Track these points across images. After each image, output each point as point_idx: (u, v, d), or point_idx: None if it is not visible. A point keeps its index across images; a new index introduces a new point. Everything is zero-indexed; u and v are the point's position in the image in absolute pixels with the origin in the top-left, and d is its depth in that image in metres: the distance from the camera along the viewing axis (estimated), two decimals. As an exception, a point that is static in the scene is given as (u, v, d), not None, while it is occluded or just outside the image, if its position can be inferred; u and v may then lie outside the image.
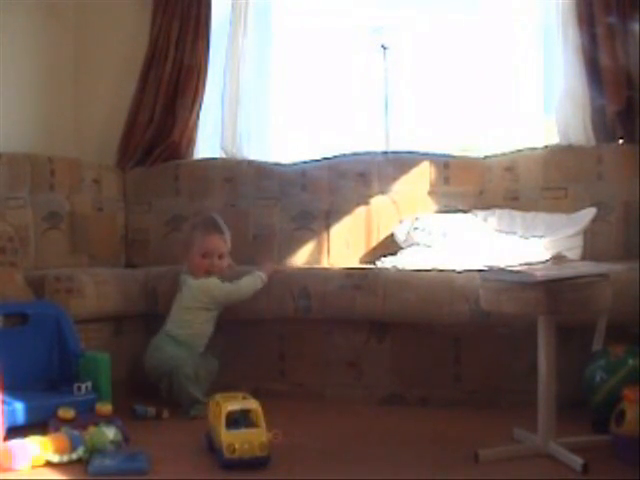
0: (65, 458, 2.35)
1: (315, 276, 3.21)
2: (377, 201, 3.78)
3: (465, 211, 3.64)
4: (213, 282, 3.13)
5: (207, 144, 4.15)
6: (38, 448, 2.33)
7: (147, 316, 3.32)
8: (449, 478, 2.25)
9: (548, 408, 2.39)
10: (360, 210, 3.78)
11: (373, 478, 2.27)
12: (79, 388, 2.71)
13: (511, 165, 3.68)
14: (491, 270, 2.48)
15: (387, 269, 3.26)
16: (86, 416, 2.58)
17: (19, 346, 2.82)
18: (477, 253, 3.21)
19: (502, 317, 2.62)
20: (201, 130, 4.11)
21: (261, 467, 2.28)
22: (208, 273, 3.14)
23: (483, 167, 3.73)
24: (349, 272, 3.19)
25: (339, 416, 2.96)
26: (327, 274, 3.22)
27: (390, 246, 3.61)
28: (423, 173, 3.76)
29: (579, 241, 3.33)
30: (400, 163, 3.80)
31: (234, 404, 2.37)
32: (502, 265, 2.46)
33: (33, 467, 2.32)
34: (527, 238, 3.37)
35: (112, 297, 3.19)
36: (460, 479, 2.24)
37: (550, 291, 2.25)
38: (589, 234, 3.37)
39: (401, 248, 3.56)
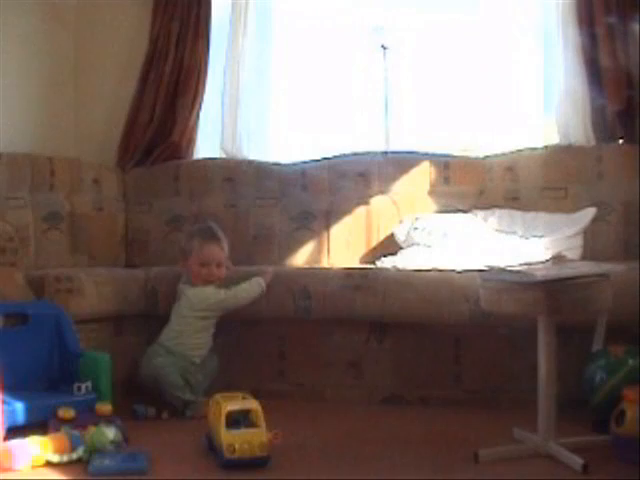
0: (65, 458, 2.35)
1: (315, 276, 3.21)
2: (377, 201, 3.78)
3: (465, 211, 3.64)
4: (209, 290, 3.12)
5: (207, 144, 4.15)
6: (38, 448, 2.33)
7: (147, 316, 3.32)
8: (449, 478, 2.25)
9: (548, 408, 2.39)
10: (360, 210, 3.78)
11: (373, 478, 2.27)
12: (79, 388, 2.71)
13: (511, 165, 3.68)
14: (491, 270, 2.48)
15: (387, 269, 3.26)
16: (86, 416, 2.58)
17: (19, 346, 2.82)
18: (477, 253, 3.21)
19: (502, 317, 2.62)
20: (201, 130, 4.12)
21: (261, 467, 2.28)
22: (207, 282, 3.13)
23: (483, 167, 3.73)
24: (349, 272, 3.19)
25: (339, 416, 2.96)
26: (327, 274, 3.22)
27: (390, 246, 3.61)
28: (423, 173, 3.76)
29: (579, 241, 3.33)
30: (400, 163, 3.81)
31: (234, 404, 2.37)
32: (502, 265, 2.46)
33: (33, 467, 2.32)
34: (527, 238, 3.37)
35: (112, 297, 3.19)
36: (460, 479, 2.24)
37: (550, 291, 2.25)
38: (589, 234, 3.37)
39: (401, 248, 3.56)
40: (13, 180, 3.52)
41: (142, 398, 2.99)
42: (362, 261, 3.70)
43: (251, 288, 3.14)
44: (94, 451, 2.37)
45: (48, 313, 2.93)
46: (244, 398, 2.42)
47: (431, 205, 3.72)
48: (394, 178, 3.78)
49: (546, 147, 3.74)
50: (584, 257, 3.23)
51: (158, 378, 2.97)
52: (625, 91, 3.52)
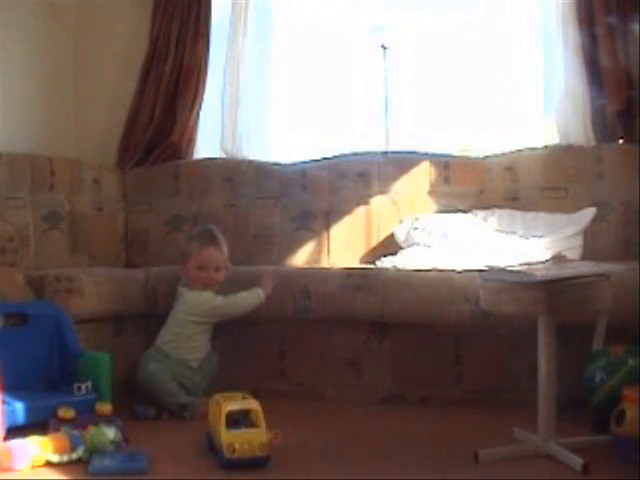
0: (65, 458, 2.34)
1: (315, 276, 3.21)
2: (377, 201, 3.78)
3: (465, 211, 3.64)
4: (206, 295, 3.11)
5: (207, 144, 4.15)
6: (38, 448, 2.33)
7: (147, 316, 3.32)
8: (449, 478, 2.25)
9: (548, 408, 2.39)
10: (360, 210, 3.78)
11: (373, 478, 2.27)
12: (79, 388, 2.71)
13: (511, 165, 3.68)
14: (491, 270, 2.48)
15: (387, 269, 3.26)
16: (86, 416, 2.58)
17: (19, 346, 2.82)
18: (477, 253, 3.21)
19: (502, 317, 2.62)
20: (201, 130, 4.12)
21: (261, 467, 2.28)
22: (205, 285, 3.11)
23: (483, 167, 3.73)
24: (349, 272, 3.19)
25: (339, 416, 2.96)
26: (327, 274, 3.22)
27: (390, 246, 3.61)
28: (423, 173, 3.76)
29: (579, 241, 3.33)
30: (400, 163, 3.81)
31: (234, 404, 2.37)
32: (502, 265, 2.46)
33: (33, 467, 2.32)
34: (527, 238, 3.37)
35: (112, 297, 3.19)
36: (460, 479, 2.24)
37: (550, 291, 2.25)
38: (589, 234, 3.37)
39: (401, 248, 3.56)
40: (13, 180, 3.51)
41: (142, 398, 2.98)
42: (362, 261, 3.70)
43: (249, 298, 3.11)
44: (94, 451, 2.37)
45: (48, 313, 2.92)
46: (244, 398, 2.42)
47: (431, 205, 3.72)
48: (394, 178, 3.78)
49: (546, 147, 3.74)
50: (584, 257, 3.23)
51: (152, 385, 2.95)
52: (625, 91, 3.52)
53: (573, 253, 3.18)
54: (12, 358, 2.63)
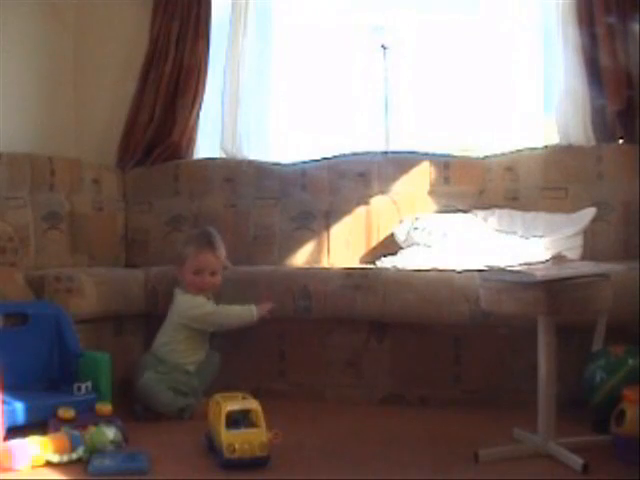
0: (65, 458, 2.34)
1: (315, 276, 3.21)
2: (377, 201, 3.78)
3: (465, 211, 3.64)
4: (199, 300, 3.06)
5: (207, 144, 4.15)
6: (38, 448, 2.33)
7: (147, 316, 3.32)
8: (449, 478, 2.25)
9: (548, 408, 2.39)
10: (360, 210, 3.78)
11: (373, 478, 2.27)
12: (79, 388, 2.71)
13: (511, 165, 3.69)
14: (491, 270, 2.48)
15: (387, 269, 3.26)
16: (86, 416, 2.58)
17: (19, 346, 2.82)
18: (477, 253, 3.21)
19: (502, 317, 2.62)
20: (201, 130, 4.12)
21: (261, 467, 2.28)
22: (200, 290, 3.07)
23: (483, 167, 3.73)
24: (349, 272, 3.18)
25: (339, 416, 2.96)
26: (327, 274, 3.22)
27: (390, 246, 3.61)
28: (423, 173, 3.76)
29: (579, 241, 3.33)
30: (400, 163, 3.81)
31: (234, 404, 2.37)
32: (502, 265, 2.46)
33: (33, 467, 2.32)
34: (527, 238, 3.37)
35: (112, 297, 3.19)
36: (460, 479, 2.24)
37: (550, 291, 2.25)
38: (589, 234, 3.37)
39: (401, 248, 3.56)
40: (13, 180, 3.51)
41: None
42: (362, 261, 3.70)
43: (242, 313, 3.05)
44: (94, 451, 2.37)
45: (48, 313, 2.92)
46: (244, 398, 2.42)
47: (431, 205, 3.72)
48: (394, 178, 3.78)
49: (546, 147, 3.74)
50: (584, 257, 3.23)
51: (146, 396, 2.91)
52: (625, 91, 3.52)
53: (573, 253, 3.18)
54: (12, 358, 2.63)
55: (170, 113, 4.03)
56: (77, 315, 2.99)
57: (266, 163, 3.99)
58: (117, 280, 3.28)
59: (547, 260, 2.51)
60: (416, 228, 3.54)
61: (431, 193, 3.74)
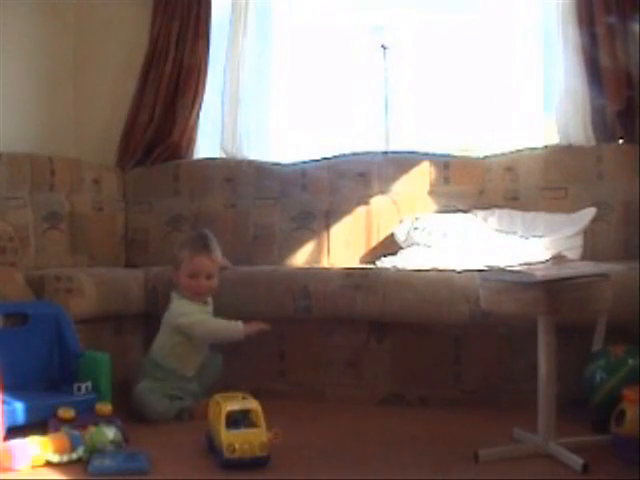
0: (65, 458, 2.34)
1: (315, 276, 3.21)
2: (377, 201, 3.78)
3: (465, 211, 3.64)
4: (187, 308, 2.99)
5: (207, 144, 4.15)
6: (38, 448, 2.33)
7: (147, 316, 3.32)
8: (449, 478, 2.25)
9: (548, 408, 2.39)
10: (360, 210, 3.78)
11: (373, 478, 2.27)
12: (79, 388, 2.71)
13: (511, 165, 3.68)
14: (491, 270, 2.48)
15: (387, 269, 3.26)
16: (86, 416, 2.58)
17: (19, 346, 2.82)
18: (477, 253, 3.21)
19: (502, 317, 2.62)
20: (201, 130, 4.12)
21: (261, 467, 2.28)
22: (196, 294, 3.02)
23: (483, 167, 3.73)
24: (349, 272, 3.18)
25: (339, 416, 2.95)
26: (327, 274, 3.22)
27: (390, 246, 3.61)
28: (423, 173, 3.76)
29: (579, 241, 3.33)
30: (400, 163, 3.80)
31: (234, 404, 2.37)
32: (502, 265, 2.46)
33: (33, 467, 2.31)
34: (527, 238, 3.37)
35: (112, 297, 3.19)
36: (460, 479, 2.24)
37: (550, 291, 2.25)
38: (589, 234, 3.37)
39: (401, 248, 3.56)
40: (13, 180, 3.51)
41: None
42: (362, 261, 3.70)
43: (228, 329, 2.96)
44: (94, 451, 2.37)
45: (48, 313, 2.92)
46: (244, 398, 2.42)
47: (431, 205, 3.72)
48: (394, 178, 3.78)
49: (546, 147, 3.74)
50: (584, 257, 3.22)
51: (141, 405, 2.87)
52: (625, 91, 3.51)
53: (573, 253, 3.18)
54: (12, 358, 2.63)
55: (170, 113, 4.03)
56: (77, 315, 2.99)
57: (266, 163, 3.99)
58: (117, 280, 3.28)
59: (547, 260, 2.51)
60: (416, 228, 3.54)
61: (431, 193, 3.74)
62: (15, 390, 2.57)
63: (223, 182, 3.94)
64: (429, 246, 3.44)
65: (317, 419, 2.92)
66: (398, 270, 3.20)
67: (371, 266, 3.43)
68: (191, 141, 4.09)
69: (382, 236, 3.73)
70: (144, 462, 2.31)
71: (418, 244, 3.49)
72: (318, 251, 3.76)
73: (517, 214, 3.54)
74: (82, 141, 4.17)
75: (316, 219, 3.80)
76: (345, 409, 3.05)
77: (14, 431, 2.44)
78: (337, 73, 4.36)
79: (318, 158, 3.94)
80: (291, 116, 4.30)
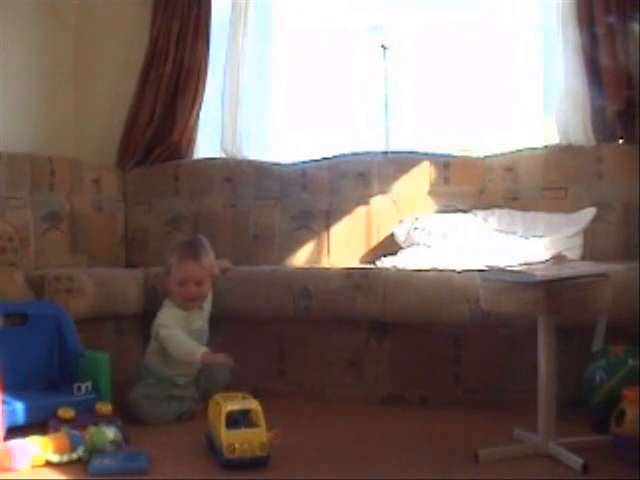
0: (65, 458, 2.34)
1: (315, 276, 3.21)
2: (377, 201, 3.78)
3: (465, 211, 3.64)
4: (165, 319, 2.91)
5: (207, 144, 4.15)
6: (38, 448, 2.33)
7: (147, 316, 3.31)
8: (449, 478, 2.25)
9: (548, 408, 2.39)
10: (360, 210, 3.78)
11: (373, 478, 2.27)
12: (79, 388, 2.71)
13: (511, 165, 3.68)
14: (491, 270, 2.48)
15: (387, 269, 3.26)
16: (86, 416, 2.58)
17: (19, 346, 2.82)
18: (477, 253, 3.21)
19: (502, 317, 2.62)
20: (201, 130, 4.12)
21: (261, 467, 2.28)
22: (187, 300, 2.97)
23: (483, 167, 3.73)
24: (349, 272, 3.18)
25: (339, 416, 2.95)
26: (327, 274, 3.22)
27: (390, 246, 3.61)
28: (423, 173, 3.76)
29: (579, 241, 3.33)
30: (400, 163, 3.80)
31: (234, 404, 2.37)
32: (502, 265, 2.46)
33: (33, 467, 2.32)
34: (527, 238, 3.37)
35: (112, 297, 3.19)
36: (460, 479, 2.24)
37: (550, 291, 2.25)
38: (589, 234, 3.37)
39: (401, 248, 3.56)
40: (13, 180, 3.51)
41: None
42: (362, 261, 3.70)
43: (187, 351, 2.84)
44: (94, 451, 2.37)
45: (48, 313, 2.92)
46: (244, 398, 2.42)
47: (431, 205, 3.72)
48: (394, 178, 3.78)
49: (546, 147, 3.74)
50: (584, 257, 3.23)
51: (136, 409, 2.85)
52: (625, 91, 3.51)
53: (573, 253, 3.18)
54: (12, 358, 2.63)
55: (170, 113, 4.03)
56: (77, 315, 2.99)
57: (266, 163, 3.99)
58: (117, 280, 3.28)
59: (547, 260, 2.51)
60: (416, 228, 3.54)
61: (431, 193, 3.74)
62: (15, 390, 2.57)
63: (223, 182, 3.94)
64: (429, 246, 3.44)
65: (317, 419, 2.92)
66: (398, 270, 3.20)
67: (371, 266, 3.43)
68: (191, 141, 4.09)
69: (382, 236, 3.73)
70: (144, 462, 2.31)
71: (418, 244, 3.49)
72: (318, 251, 3.76)
73: (517, 214, 3.54)
74: (82, 141, 4.17)
75: (316, 219, 3.80)
76: (345, 409, 3.05)
77: (14, 431, 2.44)
78: (337, 73, 4.36)
79: (318, 158, 3.94)
80: (291, 116, 4.30)
